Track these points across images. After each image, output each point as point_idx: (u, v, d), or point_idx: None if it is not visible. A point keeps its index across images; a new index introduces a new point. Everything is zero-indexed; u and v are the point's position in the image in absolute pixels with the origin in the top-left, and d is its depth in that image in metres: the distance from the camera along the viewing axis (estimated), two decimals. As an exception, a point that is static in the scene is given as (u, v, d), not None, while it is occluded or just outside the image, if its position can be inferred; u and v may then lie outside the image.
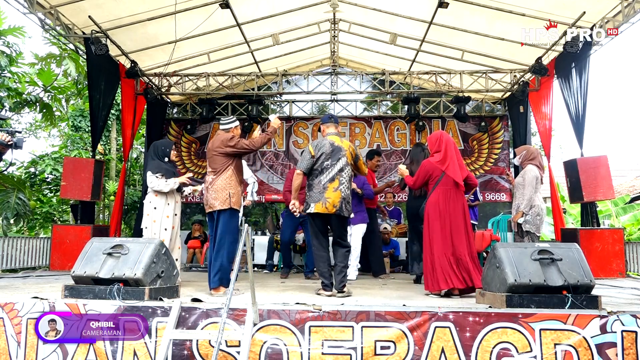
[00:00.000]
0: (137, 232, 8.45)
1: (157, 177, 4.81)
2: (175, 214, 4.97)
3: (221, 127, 4.57)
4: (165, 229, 4.83)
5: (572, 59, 6.93)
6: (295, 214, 4.63)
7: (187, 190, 5.03)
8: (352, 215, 4.73)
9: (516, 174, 7.41)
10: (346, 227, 4.62)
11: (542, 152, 7.41)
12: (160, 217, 4.83)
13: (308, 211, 4.37)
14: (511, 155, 9.40)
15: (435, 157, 4.48)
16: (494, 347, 3.10)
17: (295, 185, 4.49)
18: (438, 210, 4.31)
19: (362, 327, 3.18)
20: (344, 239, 4.50)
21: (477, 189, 7.06)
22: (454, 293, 4.22)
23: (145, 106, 8.91)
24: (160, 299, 3.41)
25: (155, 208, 4.84)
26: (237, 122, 4.62)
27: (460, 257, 4.21)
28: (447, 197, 4.33)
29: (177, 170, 5.18)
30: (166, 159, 4.96)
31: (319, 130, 4.80)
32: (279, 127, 4.72)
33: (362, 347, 3.13)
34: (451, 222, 4.27)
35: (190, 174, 5.14)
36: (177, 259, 4.84)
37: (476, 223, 6.99)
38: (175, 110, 10.19)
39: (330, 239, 4.60)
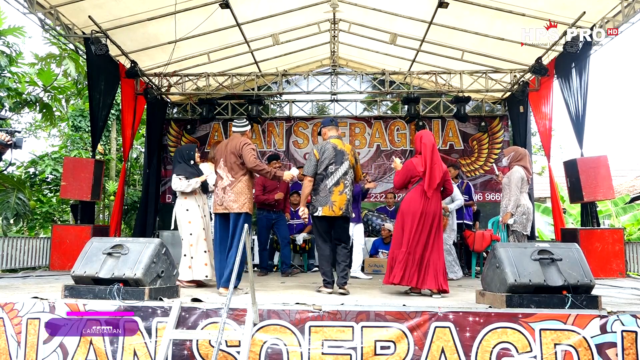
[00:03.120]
0: (137, 232, 8.47)
1: (179, 179, 4.87)
2: (205, 215, 5.01)
3: (234, 129, 4.63)
4: (204, 229, 4.90)
5: (572, 59, 6.92)
6: (304, 220, 4.71)
7: (211, 187, 5.01)
8: (353, 215, 4.94)
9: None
10: (348, 228, 4.87)
11: (542, 152, 7.40)
12: (195, 216, 4.88)
13: (316, 214, 4.49)
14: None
15: (417, 159, 4.55)
16: (494, 347, 3.10)
17: (305, 192, 4.56)
18: (414, 208, 4.37)
19: (362, 327, 3.18)
20: (346, 240, 4.70)
21: (472, 189, 7.09)
22: (413, 291, 4.39)
23: (145, 106, 8.90)
24: (160, 299, 3.41)
25: (187, 210, 4.89)
26: (250, 126, 4.71)
27: (427, 257, 4.31)
28: (425, 196, 4.39)
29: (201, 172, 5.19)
30: (192, 162, 5.03)
31: (319, 133, 4.79)
32: (288, 178, 4.76)
33: (362, 347, 3.14)
34: (425, 222, 4.34)
35: (209, 174, 5.16)
36: (206, 263, 4.85)
37: (471, 223, 7.00)
38: (175, 110, 10.19)
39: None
